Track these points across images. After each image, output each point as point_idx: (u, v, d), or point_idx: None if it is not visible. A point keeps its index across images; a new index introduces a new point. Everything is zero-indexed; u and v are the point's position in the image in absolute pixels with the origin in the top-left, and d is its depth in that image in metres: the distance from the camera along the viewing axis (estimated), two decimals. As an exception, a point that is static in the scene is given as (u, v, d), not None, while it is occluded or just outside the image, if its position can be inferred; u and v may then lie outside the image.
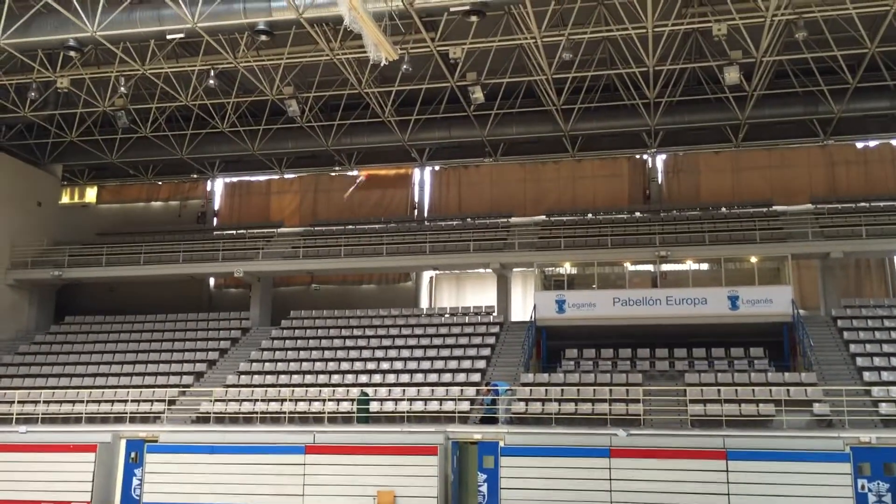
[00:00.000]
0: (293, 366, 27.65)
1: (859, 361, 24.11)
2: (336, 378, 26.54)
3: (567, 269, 29.52)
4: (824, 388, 22.56)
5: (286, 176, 38.05)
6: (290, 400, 25.00)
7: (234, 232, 36.20)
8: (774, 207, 31.41)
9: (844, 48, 25.65)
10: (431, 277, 35.78)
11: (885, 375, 23.10)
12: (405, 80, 28.08)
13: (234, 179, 38.75)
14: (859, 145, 32.82)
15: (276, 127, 32.76)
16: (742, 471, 20.33)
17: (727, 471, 20.43)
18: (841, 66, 26.74)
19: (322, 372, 27.03)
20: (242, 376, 27.31)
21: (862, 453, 20.39)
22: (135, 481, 24.36)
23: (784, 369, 24.67)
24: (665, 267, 28.71)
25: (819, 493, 19.78)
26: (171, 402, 26.29)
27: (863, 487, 20.29)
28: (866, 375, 23.24)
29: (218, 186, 38.99)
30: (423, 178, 36.88)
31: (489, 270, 31.21)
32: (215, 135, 33.28)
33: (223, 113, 31.59)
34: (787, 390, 22.46)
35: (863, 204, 30.78)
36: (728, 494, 20.28)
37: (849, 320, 26.51)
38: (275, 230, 35.44)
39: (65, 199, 39.30)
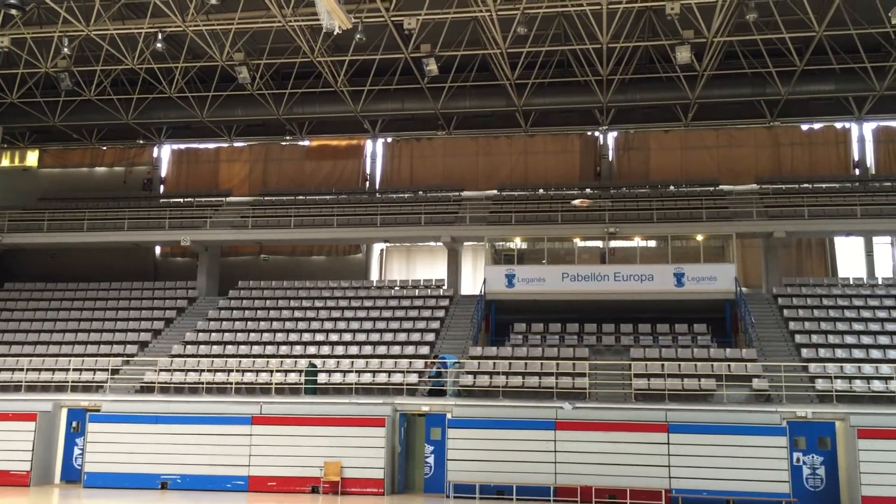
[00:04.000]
0: (240, 336, 27.42)
1: (798, 339, 24.80)
2: (284, 349, 26.40)
3: (517, 243, 29.71)
4: (764, 363, 23.18)
5: (236, 144, 37.41)
6: (237, 370, 24.81)
7: (182, 200, 35.53)
8: (721, 187, 31.97)
9: (793, 31, 26.07)
10: (382, 250, 35.68)
11: (822, 352, 23.80)
12: (359, 49, 27.76)
13: (182, 146, 37.95)
14: (804, 127, 33.49)
15: (225, 94, 32.14)
16: (683, 443, 20.86)
17: (668, 443, 20.93)
18: (789, 49, 27.19)
19: (270, 343, 26.86)
20: (188, 346, 26.98)
21: (798, 427, 21.08)
22: (76, 451, 24.01)
23: (726, 345, 25.27)
24: (614, 243, 29.08)
25: (756, 466, 20.40)
26: (115, 372, 25.89)
27: (798, 460, 20.99)
28: (804, 352, 23.93)
29: (165, 153, 38.16)
30: (375, 150, 36.61)
31: (440, 244, 31.23)
32: (162, 100, 32.51)
33: (171, 78, 30.84)
34: (728, 366, 23.02)
35: (806, 185, 31.51)
36: (669, 466, 20.79)
37: (789, 298, 27.21)
38: (223, 199, 34.92)
39: (4, 162, 38.15)
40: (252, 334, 27.51)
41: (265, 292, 30.76)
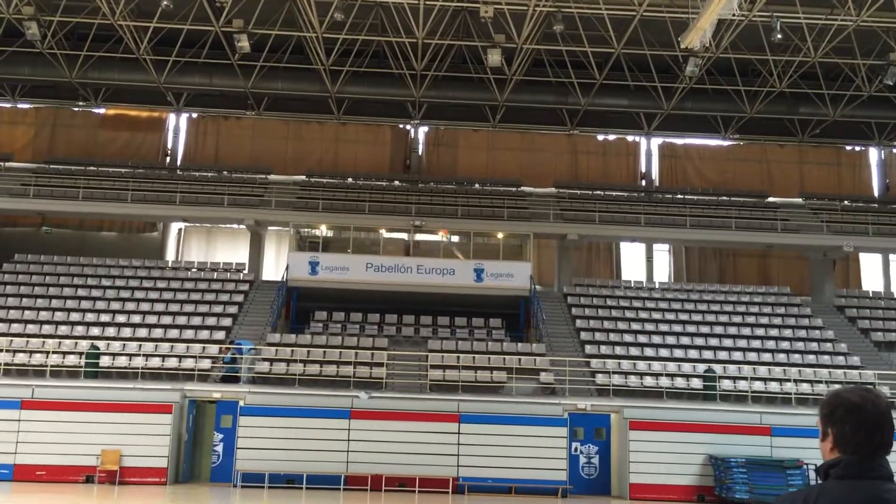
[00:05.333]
0: (14, 313, 25.16)
1: (583, 335, 26.37)
2: (63, 329, 24.51)
3: (323, 231, 29.41)
4: (551, 358, 24.43)
5: (20, 105, 34.26)
6: (8, 350, 22.73)
7: (-48, 161, 32.09)
8: (523, 188, 33.33)
9: (595, 46, 27.62)
10: (180, 229, 34.07)
11: (603, 349, 25.46)
12: (165, 17, 26.26)
13: (-44, 102, 34.28)
14: (600, 137, 35.69)
15: (10, 49, 29.27)
16: (472, 433, 21.54)
17: (459, 433, 21.54)
18: (591, 63, 28.80)
19: (48, 322, 24.85)
20: (-49, 323, 24.41)
21: (577, 419, 22.40)
22: None
23: (518, 340, 26.38)
24: (418, 236, 29.50)
25: (539, 455, 21.47)
26: None
27: (576, 450, 22.31)
28: (587, 349, 25.47)
29: (-66, 108, 34.32)
30: (178, 125, 34.88)
31: (243, 226, 30.27)
32: (-66, 49, 29.16)
33: (-54, 25, 27.73)
34: (519, 359, 24.06)
35: (598, 192, 33.53)
36: (458, 455, 21.41)
37: (577, 297, 28.86)
38: (2, 164, 31.85)
39: None
40: (27, 312, 25.33)
41: (45, 267, 28.41)
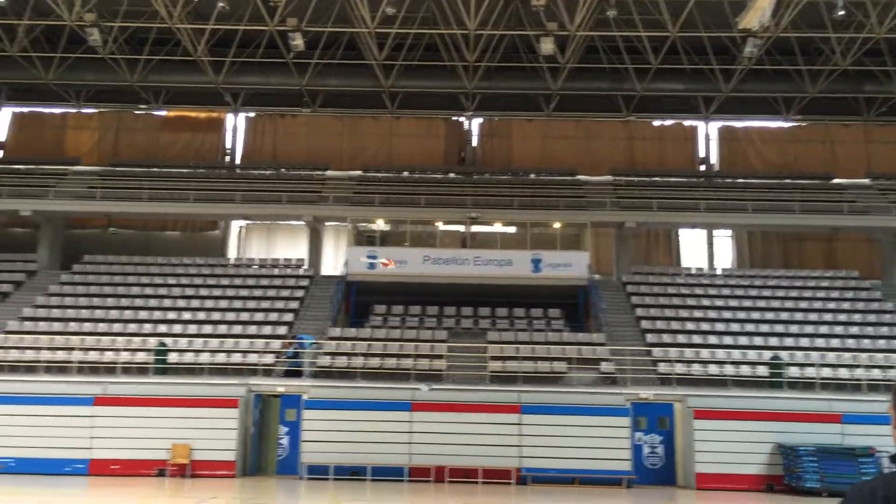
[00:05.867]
0: (84, 313, 25.95)
1: (643, 324, 26.06)
2: (132, 327, 25.19)
3: (380, 225, 29.61)
4: (611, 347, 24.21)
5: (85, 110, 35.25)
6: (80, 349, 23.47)
7: (23, 167, 33.17)
8: (578, 176, 33.04)
9: (650, 30, 27.22)
10: (241, 227, 34.69)
11: (665, 338, 25.13)
12: (221, 18, 26.73)
13: (25, 109, 35.42)
14: (656, 123, 35.14)
15: (74, 56, 30.17)
16: (534, 424, 21.49)
17: (520, 424, 21.51)
18: (645, 47, 28.40)
19: (117, 320, 25.57)
20: (26, 322, 25.28)
21: (640, 408, 22.17)
22: None
23: (578, 330, 26.20)
24: (475, 228, 29.49)
25: (601, 445, 21.32)
26: (-59, 349, 23.92)
27: (639, 439, 22.09)
28: (648, 337, 25.16)
29: (5, 116, 35.47)
30: (236, 124, 35.48)
31: (301, 223, 30.68)
32: (3, 59, 30.16)
33: (13, 35, 28.66)
34: (579, 349, 23.90)
35: (656, 178, 33.05)
36: (520, 446, 21.39)
37: (637, 286, 28.51)
38: (69, 168, 32.81)
39: None
40: (97, 311, 26.10)
41: (113, 267, 29.22)
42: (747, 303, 27.35)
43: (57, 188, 30.44)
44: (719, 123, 35.17)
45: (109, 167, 33.12)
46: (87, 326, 25.12)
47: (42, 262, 29.87)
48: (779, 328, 25.80)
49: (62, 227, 31.40)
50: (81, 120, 35.42)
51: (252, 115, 35.37)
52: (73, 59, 30.41)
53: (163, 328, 25.21)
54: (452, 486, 20.63)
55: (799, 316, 26.49)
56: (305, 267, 29.60)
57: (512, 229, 30.00)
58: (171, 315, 26.00)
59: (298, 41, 26.52)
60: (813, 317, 26.48)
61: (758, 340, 25.06)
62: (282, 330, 25.23)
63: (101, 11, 26.91)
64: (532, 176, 33.35)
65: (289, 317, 26.06)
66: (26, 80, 31.49)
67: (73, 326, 25.07)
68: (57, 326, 25.06)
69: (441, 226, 29.49)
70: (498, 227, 29.49)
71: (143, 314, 26.00)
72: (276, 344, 24.22)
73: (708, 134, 35.21)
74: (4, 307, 26.99)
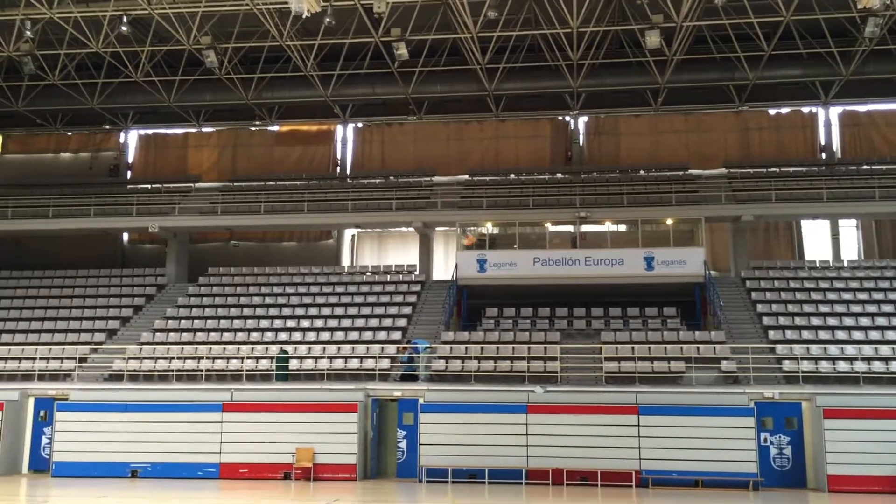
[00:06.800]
0: (210, 323, 27.20)
1: (765, 321, 25.12)
2: (255, 336, 26.23)
3: (489, 228, 29.73)
4: (732, 346, 23.46)
5: (204, 129, 36.98)
6: (208, 357, 24.61)
7: (150, 186, 35.11)
8: (690, 171, 32.20)
9: (761, 16, 26.25)
10: (353, 235, 35.54)
11: (789, 334, 24.14)
12: (328, 33, 27.49)
13: (149, 132, 37.46)
14: (772, 112, 33.81)
15: (193, 78, 31.71)
16: (653, 425, 21.05)
17: (639, 425, 21.12)
18: (757, 34, 27.39)
19: (240, 329, 26.67)
20: (157, 333, 26.73)
21: (765, 408, 21.37)
22: (44, 440, 23.71)
23: (695, 328, 25.51)
24: (584, 228, 29.18)
25: (724, 447, 20.66)
26: (83, 360, 25.57)
27: (765, 440, 21.29)
28: (771, 334, 24.24)
29: (132, 138, 37.63)
30: (345, 135, 36.38)
31: (411, 229, 31.16)
32: (129, 84, 32.03)
33: (137, 62, 30.38)
34: (697, 348, 23.26)
35: (773, 169, 31.81)
36: (639, 448, 21.00)
37: (757, 281, 27.53)
38: (192, 185, 34.52)
39: (-33, 148, 37.39)
40: (222, 321, 27.30)
41: (235, 279, 30.52)
42: (878, 295, 25.95)
43: (181, 205, 32.04)
44: (840, 108, 33.50)
45: (228, 182, 34.63)
46: (214, 336, 26.31)
47: (170, 276, 31.52)
48: (914, 321, 24.38)
49: (187, 241, 33.01)
50: (201, 139, 37.14)
51: (360, 125, 36.19)
52: (192, 82, 31.94)
53: (283, 336, 26.13)
54: (571, 488, 20.46)
55: (936, 308, 24.93)
56: (417, 272, 30.03)
57: (623, 227, 29.50)
58: (291, 323, 26.91)
59: (402, 50, 26.97)
60: (952, 308, 24.86)
61: (890, 335, 23.75)
62: (396, 335, 25.68)
63: (215, 34, 28.16)
64: (641, 172, 32.72)
65: (402, 322, 26.49)
66: (150, 103, 33.26)
67: (200, 336, 26.33)
68: (186, 336, 26.37)
69: (550, 227, 29.32)
70: (608, 226, 29.06)
71: (264, 322, 27.02)
72: (391, 349, 24.67)
73: (829, 120, 33.59)
74: (138, 319, 28.63)
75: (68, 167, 37.39)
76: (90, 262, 33.30)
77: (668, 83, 30.66)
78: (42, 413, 23.92)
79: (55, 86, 31.79)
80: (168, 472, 22.00)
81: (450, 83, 31.64)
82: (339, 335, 25.89)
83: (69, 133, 37.64)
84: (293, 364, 24.08)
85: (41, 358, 25.38)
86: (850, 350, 22.91)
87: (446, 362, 23.67)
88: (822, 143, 33.51)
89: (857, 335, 23.91)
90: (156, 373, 24.45)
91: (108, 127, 37.06)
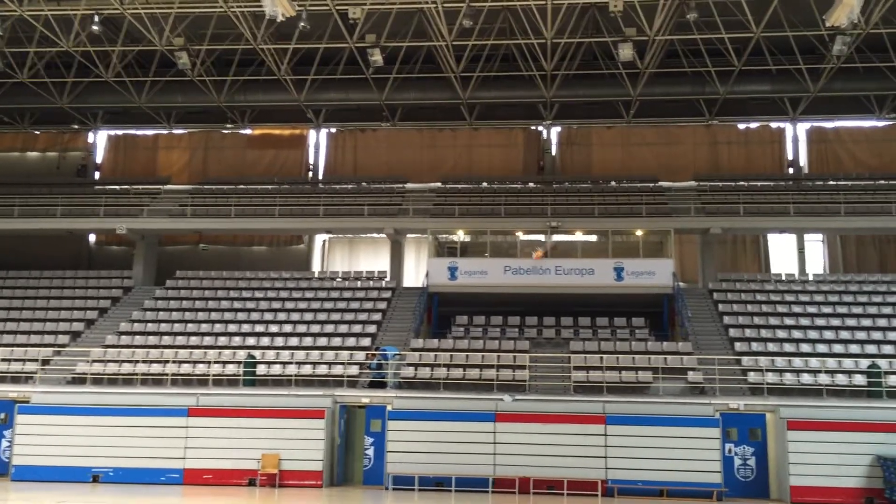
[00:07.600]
0: (177, 327, 26.89)
1: (731, 332, 25.38)
2: (222, 340, 25.97)
3: (460, 236, 29.76)
4: (699, 357, 23.66)
5: (175, 131, 36.64)
6: (174, 362, 24.31)
7: (118, 187, 34.67)
8: (660, 183, 32.49)
9: (732, 31, 26.60)
10: (325, 241, 35.38)
11: (755, 346, 24.41)
12: (303, 38, 27.42)
13: (119, 132, 37.03)
14: (741, 126, 34.27)
15: (164, 79, 31.43)
16: (620, 434, 21.16)
17: (606, 434, 21.22)
18: (728, 49, 27.75)
19: (208, 334, 26.40)
20: (123, 336, 26.37)
21: (730, 419, 21.57)
22: (4, 443, 23.26)
23: (663, 338, 25.71)
24: (555, 237, 29.31)
25: (690, 457, 20.82)
26: (45, 363, 25.12)
27: (730, 451, 21.49)
28: (737, 346, 24.49)
29: (101, 139, 37.19)
30: (318, 140, 36.26)
31: (383, 235, 31.09)
32: (99, 84, 31.67)
33: (108, 62, 30.03)
34: (665, 359, 23.44)
35: (742, 183, 32.20)
36: (606, 457, 21.08)
37: (724, 293, 27.80)
38: (162, 187, 34.14)
39: (-70, 145, 36.71)
40: (190, 325, 27.00)
41: (204, 282, 30.21)
42: (842, 309, 26.34)
43: (150, 207, 31.70)
44: (808, 125, 34.05)
45: (199, 185, 34.31)
46: (181, 340, 26.01)
47: (137, 279, 31.11)
48: (876, 335, 24.78)
49: (156, 244, 32.61)
50: (172, 141, 36.80)
51: (333, 130, 36.09)
52: (164, 83, 31.66)
53: (251, 340, 25.91)
54: (537, 497, 20.49)
55: (898, 322, 25.36)
56: (388, 279, 29.95)
57: (593, 238, 29.68)
58: (259, 328, 26.69)
59: (377, 57, 26.96)
60: (913, 323, 25.30)
61: (853, 348, 24.11)
62: (366, 341, 25.58)
63: (189, 35, 27.94)
64: (613, 184, 32.97)
65: (372, 328, 26.40)
66: (120, 103, 32.92)
67: (167, 340, 26.01)
68: (152, 340, 26.04)
69: (521, 235, 29.41)
70: (579, 236, 29.22)
71: (232, 327, 26.77)
72: (360, 355, 24.57)
73: (796, 135, 34.14)
74: (103, 322, 28.22)
75: (35, 166, 36.85)
76: (55, 263, 32.80)
77: (640, 96, 30.97)
78: (2, 415, 23.47)
79: (23, 84, 31.33)
80: (130, 476, 21.68)
81: (424, 90, 31.69)
82: (308, 341, 25.73)
83: (37, 132, 37.10)
84: (261, 369, 23.87)
85: (3, 359, 24.90)
86: (814, 363, 23.21)
87: (415, 369, 23.62)
88: (790, 158, 34.02)
89: (822, 348, 24.23)
90: (120, 376, 24.11)
91: (76, 127, 36.60)
